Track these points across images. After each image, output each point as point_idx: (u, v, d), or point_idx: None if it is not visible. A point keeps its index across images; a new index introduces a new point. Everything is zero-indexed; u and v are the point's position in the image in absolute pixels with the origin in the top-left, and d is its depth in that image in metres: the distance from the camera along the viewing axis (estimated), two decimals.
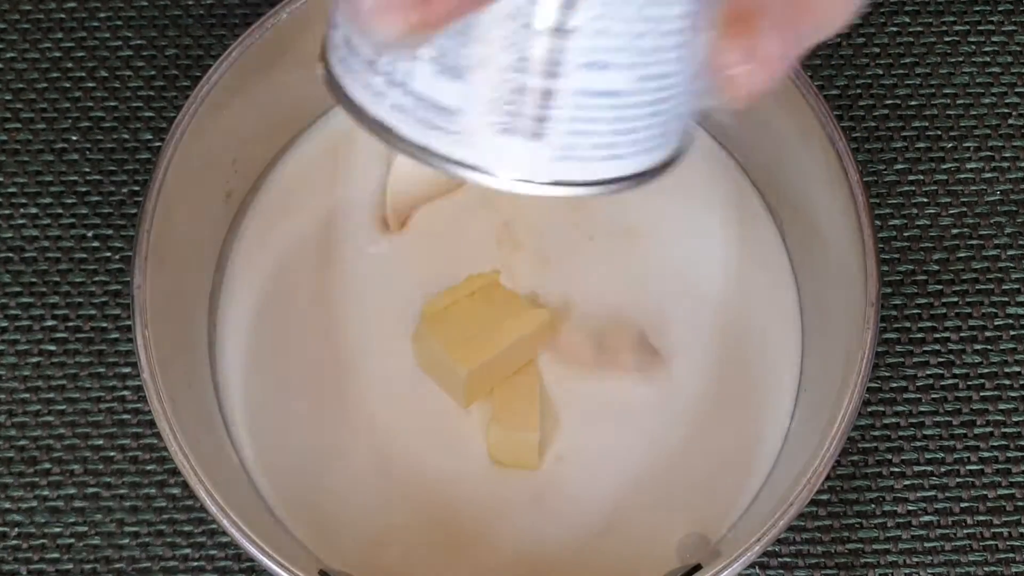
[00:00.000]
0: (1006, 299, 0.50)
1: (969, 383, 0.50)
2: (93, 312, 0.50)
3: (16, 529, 0.48)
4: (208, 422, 0.46)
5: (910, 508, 0.48)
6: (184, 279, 0.46)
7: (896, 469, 0.49)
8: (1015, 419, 0.49)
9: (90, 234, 0.51)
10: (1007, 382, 0.49)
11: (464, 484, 0.46)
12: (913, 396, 0.49)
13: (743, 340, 0.48)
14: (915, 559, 0.48)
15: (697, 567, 0.42)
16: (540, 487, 0.46)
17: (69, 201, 0.51)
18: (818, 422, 0.42)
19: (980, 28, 0.54)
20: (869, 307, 0.42)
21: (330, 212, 0.50)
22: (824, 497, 0.48)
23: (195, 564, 0.47)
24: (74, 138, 0.52)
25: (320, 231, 0.49)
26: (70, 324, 0.50)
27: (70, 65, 0.53)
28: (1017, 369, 0.50)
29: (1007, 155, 0.52)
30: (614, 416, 0.47)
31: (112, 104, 0.52)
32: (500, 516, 0.46)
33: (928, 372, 0.50)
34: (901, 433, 0.49)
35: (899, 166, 0.52)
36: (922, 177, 0.52)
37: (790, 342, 0.48)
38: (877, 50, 0.53)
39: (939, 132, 0.52)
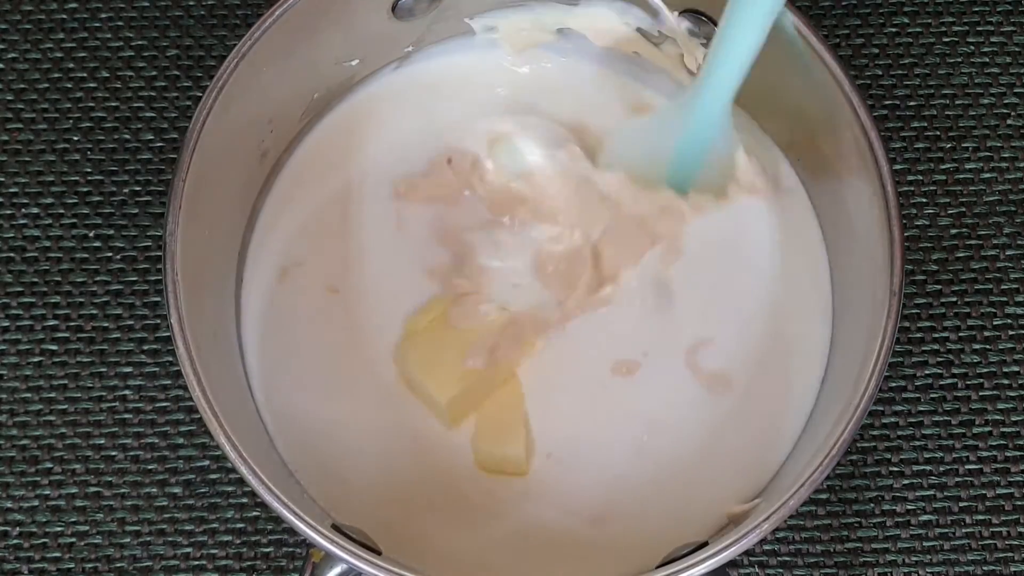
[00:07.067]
0: (1004, 299, 0.50)
1: (968, 382, 0.50)
2: (95, 312, 0.50)
3: (18, 528, 0.48)
4: (231, 375, 0.46)
5: (909, 507, 0.48)
6: (215, 234, 0.46)
7: (895, 468, 0.49)
8: (1014, 418, 0.49)
9: (91, 234, 0.51)
10: (1006, 381, 0.50)
11: (464, 457, 0.46)
12: (912, 395, 0.50)
13: (776, 325, 0.48)
14: (914, 558, 0.48)
15: (704, 544, 0.42)
16: (541, 471, 0.46)
17: (70, 201, 0.52)
18: (835, 412, 0.42)
19: (979, 29, 0.54)
20: (892, 297, 0.42)
21: (361, 178, 0.49)
22: (823, 496, 0.48)
23: (196, 563, 0.48)
24: (75, 138, 0.52)
25: (349, 196, 0.49)
26: (71, 324, 0.50)
27: (71, 65, 0.53)
28: (1016, 368, 0.50)
29: (1006, 155, 0.52)
30: (627, 396, 0.47)
31: (113, 104, 0.53)
32: (500, 484, 0.46)
33: (927, 372, 0.50)
34: (900, 432, 0.49)
35: (898, 166, 0.52)
36: (921, 177, 0.52)
37: (819, 331, 0.47)
38: (876, 51, 0.54)
39: (938, 132, 0.53)
